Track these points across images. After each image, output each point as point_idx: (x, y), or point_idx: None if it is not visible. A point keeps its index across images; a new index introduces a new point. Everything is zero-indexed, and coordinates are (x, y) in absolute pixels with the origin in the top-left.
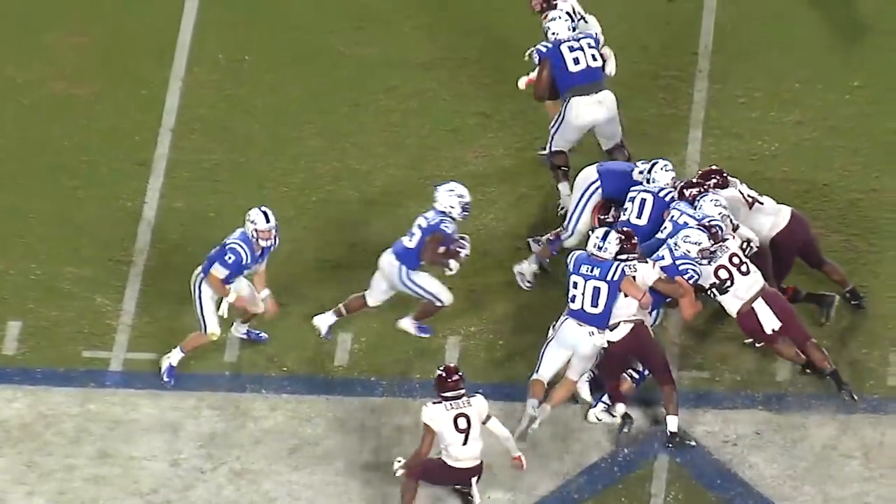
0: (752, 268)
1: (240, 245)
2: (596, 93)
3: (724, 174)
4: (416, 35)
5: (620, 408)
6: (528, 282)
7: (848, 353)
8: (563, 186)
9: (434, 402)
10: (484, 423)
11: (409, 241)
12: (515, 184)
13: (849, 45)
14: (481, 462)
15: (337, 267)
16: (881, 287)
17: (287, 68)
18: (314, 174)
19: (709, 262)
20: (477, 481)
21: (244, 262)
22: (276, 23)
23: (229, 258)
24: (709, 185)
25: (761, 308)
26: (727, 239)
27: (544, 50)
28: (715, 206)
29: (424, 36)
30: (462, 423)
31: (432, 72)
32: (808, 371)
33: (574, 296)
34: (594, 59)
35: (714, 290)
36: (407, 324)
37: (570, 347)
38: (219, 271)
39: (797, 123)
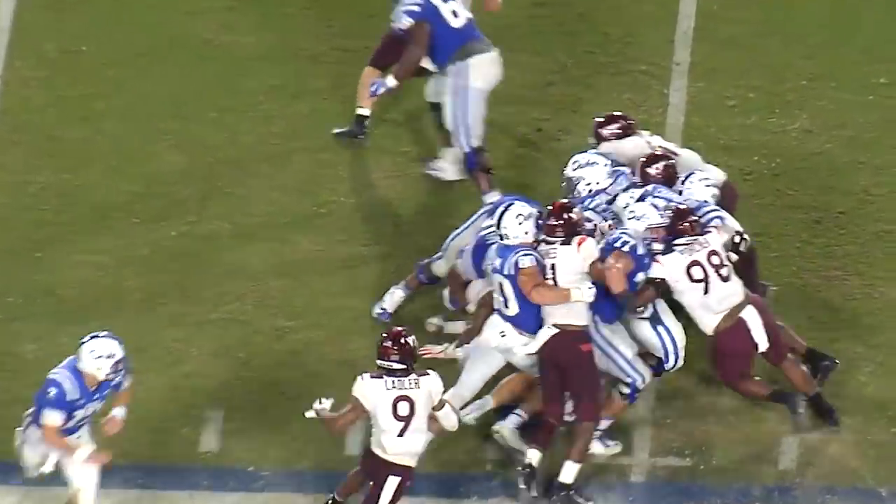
0: (734, 276)
1: (65, 377)
2: (489, 50)
3: (629, 120)
4: (304, 19)
5: (533, 454)
6: (381, 309)
7: (871, 433)
8: (493, 197)
9: (372, 376)
10: (435, 409)
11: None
12: (438, 212)
13: (871, 29)
14: (412, 467)
15: (202, 323)
16: None
17: (136, 62)
18: (172, 200)
19: (667, 248)
20: (399, 489)
21: (71, 398)
22: (121, 3)
23: (50, 393)
24: (609, 132)
25: (752, 319)
26: (708, 231)
27: (418, 9)
28: (706, 187)
29: (315, 20)
30: (403, 408)
31: (325, 66)
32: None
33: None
34: (464, 7)
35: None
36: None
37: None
38: (51, 418)
39: (805, 132)
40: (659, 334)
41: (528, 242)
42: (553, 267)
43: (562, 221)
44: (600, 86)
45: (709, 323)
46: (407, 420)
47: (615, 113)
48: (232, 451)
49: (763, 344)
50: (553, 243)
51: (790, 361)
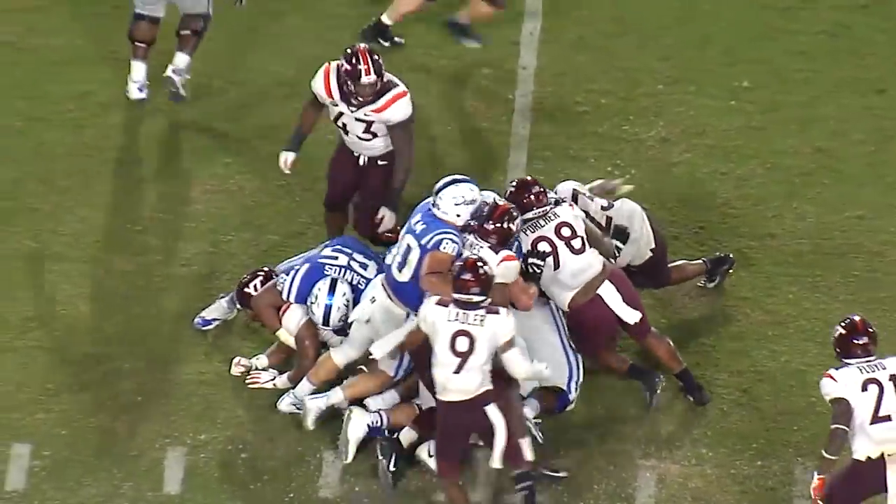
0: (589, 248)
1: None
2: None
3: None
4: (117, 20)
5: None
6: (201, 318)
7: (735, 467)
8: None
9: (438, 302)
10: (501, 352)
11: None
12: (263, 228)
13: (733, 28)
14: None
15: (5, 350)
16: (780, 373)
17: None
18: None
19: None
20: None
21: None
22: None
23: None
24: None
25: (609, 294)
26: (558, 203)
27: None
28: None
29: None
30: (462, 343)
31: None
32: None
33: (390, 248)
34: None
35: (532, 267)
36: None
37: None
38: None
39: (662, 141)
40: (567, 357)
41: (455, 225)
42: None
43: (499, 226)
44: (440, 91)
45: (563, 299)
46: (464, 357)
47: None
48: (42, 490)
49: (630, 317)
50: (479, 244)
51: (654, 336)
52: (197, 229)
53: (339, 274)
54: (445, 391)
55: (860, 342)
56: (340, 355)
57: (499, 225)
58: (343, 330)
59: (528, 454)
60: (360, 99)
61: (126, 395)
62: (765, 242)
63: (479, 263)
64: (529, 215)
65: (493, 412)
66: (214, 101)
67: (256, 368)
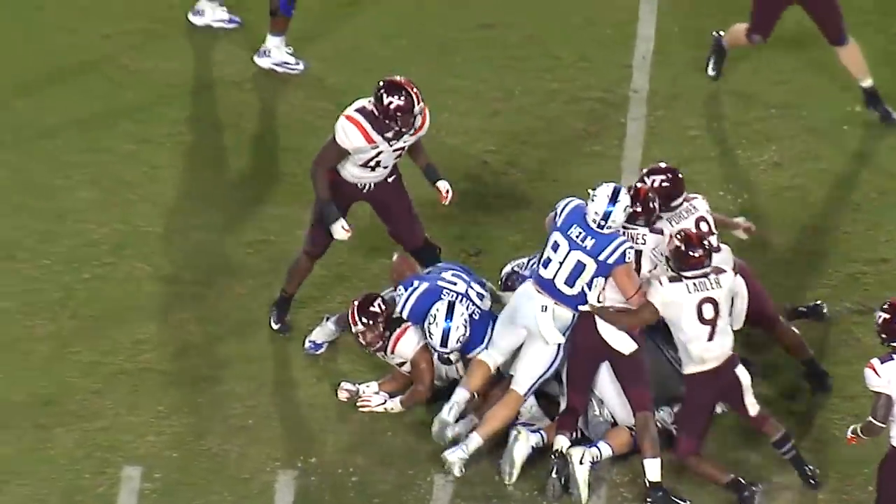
0: (722, 245)
1: None
2: None
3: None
4: (228, 41)
5: (562, 440)
6: (311, 342)
7: (846, 492)
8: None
9: (671, 279)
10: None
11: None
12: (377, 251)
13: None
14: (731, 369)
15: (116, 373)
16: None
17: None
18: (86, 240)
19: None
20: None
21: None
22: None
23: None
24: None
25: (742, 287)
26: (695, 197)
27: None
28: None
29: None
30: (708, 310)
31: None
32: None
33: (548, 259)
34: None
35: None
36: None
37: (522, 325)
38: None
39: (774, 165)
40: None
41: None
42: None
43: (646, 206)
44: (551, 115)
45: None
46: (713, 323)
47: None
48: None
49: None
50: (635, 230)
51: (782, 325)
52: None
53: (456, 299)
54: (704, 362)
55: None
56: (491, 359)
57: (645, 206)
58: (448, 358)
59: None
60: (412, 129)
61: (237, 417)
62: (878, 267)
63: (697, 234)
64: (672, 204)
65: (740, 371)
66: (324, 123)
67: (365, 393)
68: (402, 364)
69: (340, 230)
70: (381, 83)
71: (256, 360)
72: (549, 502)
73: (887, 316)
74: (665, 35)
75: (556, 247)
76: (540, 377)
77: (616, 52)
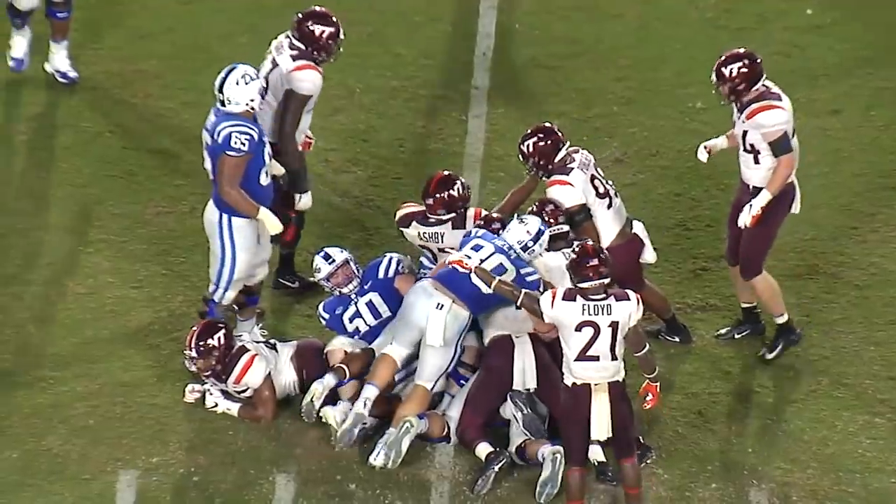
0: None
1: None
2: None
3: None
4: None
5: (482, 448)
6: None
7: (690, 489)
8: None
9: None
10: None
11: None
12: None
13: (687, 49)
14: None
15: None
16: (734, 395)
17: None
18: None
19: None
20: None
21: None
22: None
23: None
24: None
25: (642, 231)
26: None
27: None
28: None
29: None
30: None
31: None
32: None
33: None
34: None
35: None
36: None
37: (417, 326)
38: None
39: (615, 162)
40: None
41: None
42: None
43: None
44: (392, 112)
45: (609, 233)
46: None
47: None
48: None
49: (651, 257)
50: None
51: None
52: (148, 251)
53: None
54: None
55: None
56: (396, 353)
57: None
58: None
59: None
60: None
61: (78, 418)
62: (720, 264)
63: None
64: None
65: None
66: (166, 122)
67: (213, 392)
68: (243, 391)
69: (309, 198)
70: (304, 16)
71: (97, 360)
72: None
73: (574, 256)
74: (505, 32)
75: (477, 248)
76: (444, 371)
77: (457, 49)
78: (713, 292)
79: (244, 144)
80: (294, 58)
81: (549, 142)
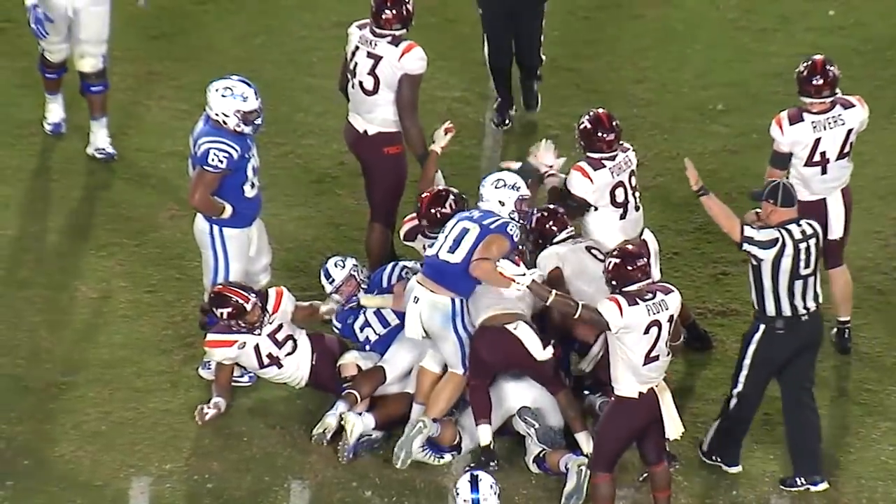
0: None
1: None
2: None
3: None
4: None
5: (483, 432)
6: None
7: (710, 497)
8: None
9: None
10: None
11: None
12: None
13: (707, 50)
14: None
15: None
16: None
17: None
18: None
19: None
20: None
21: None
22: None
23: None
24: None
25: (651, 241)
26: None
27: None
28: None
29: None
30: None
31: None
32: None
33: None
34: None
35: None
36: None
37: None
38: None
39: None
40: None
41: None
42: None
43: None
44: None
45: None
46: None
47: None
48: None
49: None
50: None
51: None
52: (162, 255)
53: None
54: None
55: None
56: (433, 363)
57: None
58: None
59: None
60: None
61: (90, 424)
62: (741, 268)
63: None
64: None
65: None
66: (180, 125)
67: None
68: (276, 333)
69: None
70: (378, 4)
71: (110, 366)
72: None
73: (617, 261)
74: None
75: (448, 231)
76: (466, 353)
77: (474, 50)
78: (734, 297)
79: (221, 162)
80: (395, 43)
81: (590, 126)
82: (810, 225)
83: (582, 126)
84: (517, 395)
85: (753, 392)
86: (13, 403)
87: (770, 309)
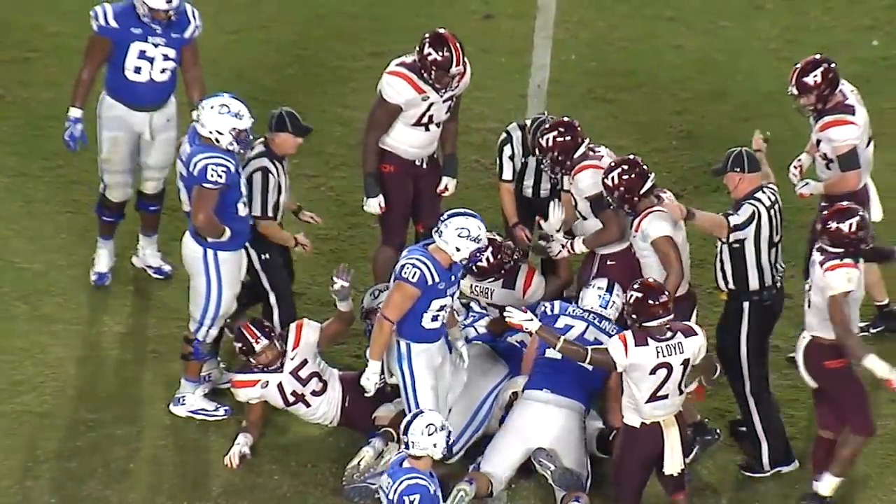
0: None
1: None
2: None
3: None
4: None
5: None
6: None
7: None
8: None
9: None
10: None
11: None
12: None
13: (748, 81)
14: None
15: None
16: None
17: None
18: None
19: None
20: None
21: None
22: None
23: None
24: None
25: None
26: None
27: None
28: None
29: None
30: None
31: None
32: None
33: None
34: None
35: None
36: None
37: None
38: None
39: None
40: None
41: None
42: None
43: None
44: None
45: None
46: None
47: None
48: None
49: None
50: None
51: None
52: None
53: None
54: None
55: None
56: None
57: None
58: None
59: None
60: (446, 89)
61: (118, 462)
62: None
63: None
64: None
65: None
66: None
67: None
68: (300, 370)
69: (377, 206)
70: (427, 34)
71: (138, 403)
72: None
73: (639, 295)
74: (561, 64)
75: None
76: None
77: (511, 81)
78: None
79: (221, 177)
80: (398, 63)
81: (568, 138)
82: (773, 192)
83: (545, 140)
84: (536, 433)
85: (760, 374)
86: (39, 441)
87: (754, 283)
